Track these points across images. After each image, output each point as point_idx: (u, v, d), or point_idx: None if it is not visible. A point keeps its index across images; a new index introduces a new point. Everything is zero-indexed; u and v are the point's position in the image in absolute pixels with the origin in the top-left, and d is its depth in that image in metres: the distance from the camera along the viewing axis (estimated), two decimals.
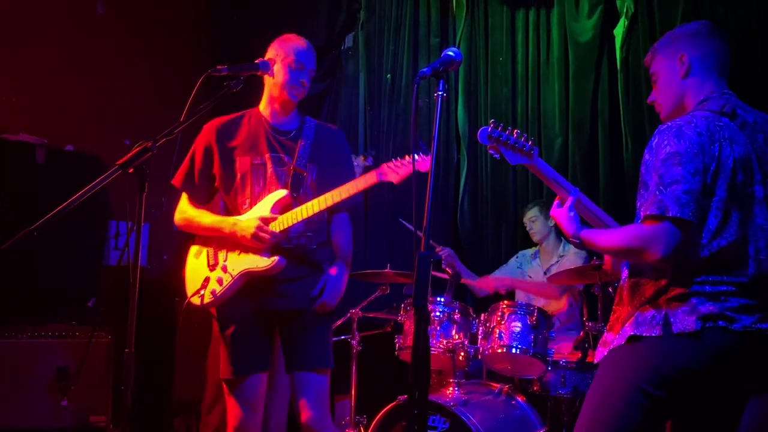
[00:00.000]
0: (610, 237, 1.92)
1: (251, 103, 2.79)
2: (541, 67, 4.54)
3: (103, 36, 4.56)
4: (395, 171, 2.49)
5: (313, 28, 5.11)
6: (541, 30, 4.55)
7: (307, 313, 2.60)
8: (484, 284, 4.07)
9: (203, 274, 2.62)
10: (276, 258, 2.51)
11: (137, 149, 2.00)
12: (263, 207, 2.58)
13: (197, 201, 2.70)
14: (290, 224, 2.53)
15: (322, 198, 2.52)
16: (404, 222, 3.99)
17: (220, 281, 2.57)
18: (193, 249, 2.71)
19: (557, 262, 4.09)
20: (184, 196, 2.73)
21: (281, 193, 2.58)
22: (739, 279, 1.81)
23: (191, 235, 2.76)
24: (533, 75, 4.56)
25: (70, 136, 4.34)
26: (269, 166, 2.63)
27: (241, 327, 2.58)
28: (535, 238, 4.19)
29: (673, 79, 2.04)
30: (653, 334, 1.81)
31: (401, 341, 3.51)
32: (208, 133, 2.70)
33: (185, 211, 2.70)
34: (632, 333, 1.85)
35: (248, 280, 2.56)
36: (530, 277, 4.21)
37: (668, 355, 1.79)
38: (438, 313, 3.41)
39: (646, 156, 1.88)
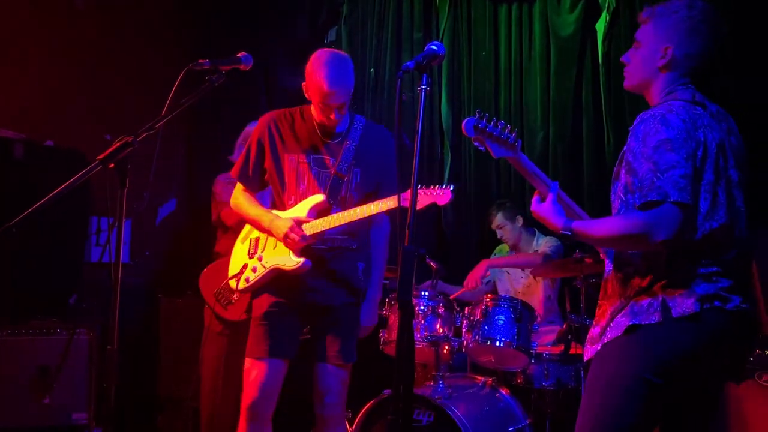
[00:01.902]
0: (606, 225, 1.88)
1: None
2: (524, 61, 4.56)
3: (83, 30, 4.50)
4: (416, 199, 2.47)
5: (296, 21, 5.08)
6: (524, 24, 4.57)
7: (339, 309, 2.69)
8: (471, 283, 4.01)
9: (243, 260, 2.76)
10: (302, 260, 2.60)
11: (118, 144, 1.98)
12: (301, 209, 2.66)
13: (250, 191, 2.81)
14: (320, 230, 2.59)
15: (348, 212, 2.58)
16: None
17: (254, 270, 2.70)
18: (243, 232, 2.85)
19: None
20: (237, 186, 2.83)
21: (318, 198, 2.64)
22: (726, 260, 1.86)
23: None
24: (515, 69, 4.58)
25: (49, 131, 4.28)
26: (313, 166, 2.69)
27: (270, 315, 2.66)
28: (509, 245, 4.23)
29: (650, 62, 2.00)
30: (652, 321, 1.82)
31: (386, 335, 3.51)
32: (262, 126, 2.76)
33: (237, 197, 2.81)
34: (630, 323, 1.85)
35: (278, 275, 2.65)
36: (508, 273, 4.24)
37: (670, 341, 1.81)
38: (422, 307, 3.42)
39: (633, 143, 1.87)
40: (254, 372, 2.63)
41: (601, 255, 2.13)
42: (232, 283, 2.75)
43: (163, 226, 4.81)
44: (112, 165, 1.98)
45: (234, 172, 2.82)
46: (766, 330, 1.93)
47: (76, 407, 3.68)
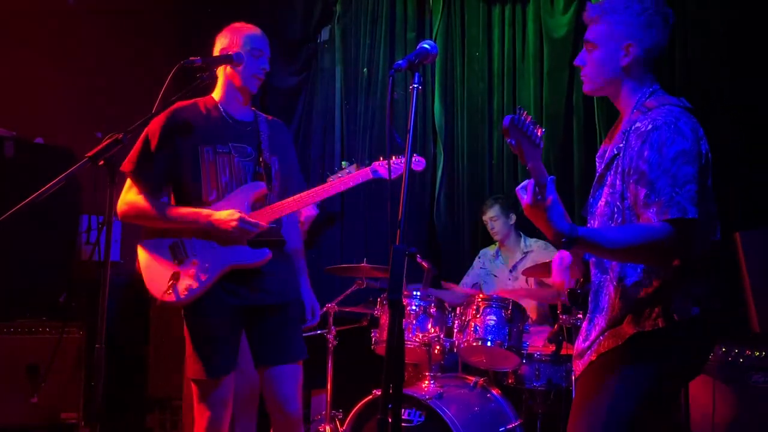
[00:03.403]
0: (626, 234, 1.78)
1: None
2: (517, 62, 4.56)
3: (74, 27, 4.48)
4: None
5: (288, 20, 5.07)
6: (517, 25, 4.57)
7: (285, 307, 2.61)
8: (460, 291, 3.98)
9: (169, 270, 2.52)
10: (269, 253, 2.53)
11: (107, 141, 1.97)
12: (239, 199, 2.54)
13: (150, 190, 2.56)
14: (278, 216, 2.56)
15: (314, 191, 2.59)
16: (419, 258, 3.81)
17: (194, 276, 2.48)
18: (148, 246, 2.59)
19: (522, 258, 4.11)
20: (129, 186, 2.57)
21: (259, 186, 2.58)
22: (716, 265, 1.90)
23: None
24: (509, 70, 4.58)
25: (40, 129, 4.26)
26: (234, 155, 2.59)
27: (217, 325, 2.53)
28: (497, 238, 4.21)
29: (612, 63, 1.92)
30: (656, 328, 1.82)
31: (377, 335, 3.50)
32: (167, 118, 2.54)
33: (136, 202, 2.54)
34: (634, 332, 1.84)
35: (224, 275, 2.52)
36: (496, 276, 4.22)
37: (674, 345, 1.83)
38: (414, 307, 3.41)
39: (646, 152, 1.80)
40: (207, 395, 2.52)
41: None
42: (168, 297, 2.48)
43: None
44: (101, 162, 1.97)
45: (128, 167, 2.53)
46: (757, 327, 1.96)
47: (65, 406, 3.67)
